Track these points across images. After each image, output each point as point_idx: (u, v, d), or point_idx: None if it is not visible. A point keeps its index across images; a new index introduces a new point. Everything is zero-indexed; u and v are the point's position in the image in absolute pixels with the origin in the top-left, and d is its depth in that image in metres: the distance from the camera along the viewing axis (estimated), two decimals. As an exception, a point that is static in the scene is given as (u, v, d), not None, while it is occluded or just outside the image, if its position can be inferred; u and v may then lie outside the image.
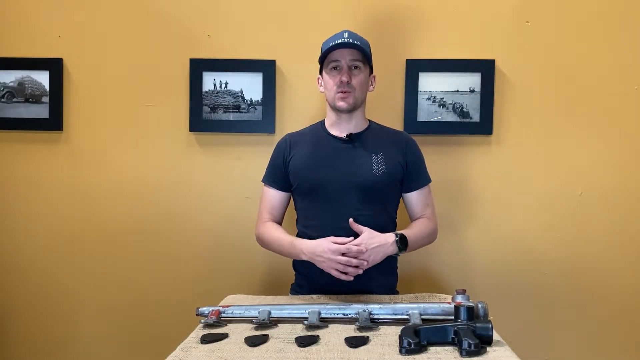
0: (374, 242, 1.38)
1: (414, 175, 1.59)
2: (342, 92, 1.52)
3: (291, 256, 1.52)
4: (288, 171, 1.59)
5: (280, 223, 1.64)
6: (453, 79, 1.94)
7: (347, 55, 1.51)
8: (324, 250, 1.36)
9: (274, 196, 1.62)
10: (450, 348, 1.06)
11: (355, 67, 1.53)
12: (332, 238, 1.38)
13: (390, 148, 1.57)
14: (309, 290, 1.55)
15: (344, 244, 1.36)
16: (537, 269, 1.98)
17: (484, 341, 1.06)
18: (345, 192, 1.51)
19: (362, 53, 1.51)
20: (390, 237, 1.41)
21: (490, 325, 1.07)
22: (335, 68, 1.53)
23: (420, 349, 1.05)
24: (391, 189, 1.57)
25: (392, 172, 1.54)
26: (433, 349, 1.06)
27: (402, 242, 1.42)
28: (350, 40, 1.50)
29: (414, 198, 1.61)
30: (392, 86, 1.96)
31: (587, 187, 1.96)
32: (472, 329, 1.06)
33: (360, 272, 1.36)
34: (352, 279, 1.37)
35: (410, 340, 1.04)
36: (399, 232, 1.44)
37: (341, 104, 1.53)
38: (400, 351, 1.05)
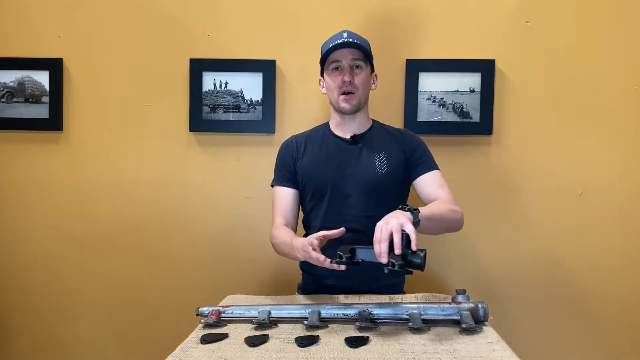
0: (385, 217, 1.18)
1: (417, 161, 1.55)
2: (345, 94, 1.51)
3: (295, 258, 1.41)
4: (296, 170, 1.59)
5: (294, 225, 1.58)
6: (453, 79, 1.94)
7: (348, 55, 1.50)
8: (304, 244, 1.28)
9: (286, 195, 1.58)
10: (450, 348, 1.06)
11: (357, 67, 1.52)
12: (316, 236, 1.26)
13: (392, 146, 1.57)
14: (316, 291, 1.54)
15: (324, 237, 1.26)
16: (537, 269, 1.97)
17: (413, 266, 1.11)
18: (350, 192, 1.51)
19: (363, 52, 1.51)
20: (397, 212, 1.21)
21: (421, 255, 1.10)
22: (336, 69, 1.52)
23: (352, 263, 1.16)
24: (396, 187, 1.56)
25: (394, 170, 1.54)
26: (433, 349, 1.06)
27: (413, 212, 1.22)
28: (350, 40, 1.49)
29: (424, 181, 1.53)
30: (392, 86, 1.96)
31: (587, 186, 1.96)
32: (404, 253, 1.11)
33: (343, 268, 1.19)
34: (343, 268, 1.19)
35: (342, 254, 1.15)
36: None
37: (345, 105, 1.52)
38: (332, 262, 1.16)
